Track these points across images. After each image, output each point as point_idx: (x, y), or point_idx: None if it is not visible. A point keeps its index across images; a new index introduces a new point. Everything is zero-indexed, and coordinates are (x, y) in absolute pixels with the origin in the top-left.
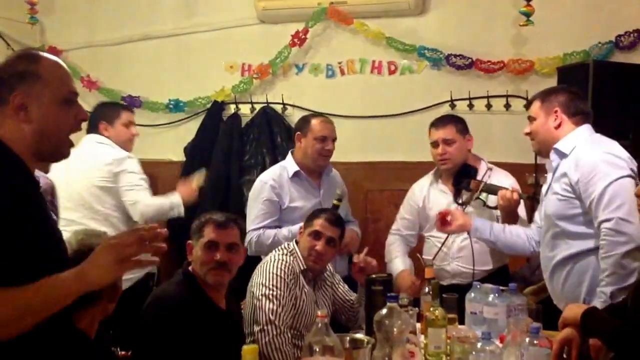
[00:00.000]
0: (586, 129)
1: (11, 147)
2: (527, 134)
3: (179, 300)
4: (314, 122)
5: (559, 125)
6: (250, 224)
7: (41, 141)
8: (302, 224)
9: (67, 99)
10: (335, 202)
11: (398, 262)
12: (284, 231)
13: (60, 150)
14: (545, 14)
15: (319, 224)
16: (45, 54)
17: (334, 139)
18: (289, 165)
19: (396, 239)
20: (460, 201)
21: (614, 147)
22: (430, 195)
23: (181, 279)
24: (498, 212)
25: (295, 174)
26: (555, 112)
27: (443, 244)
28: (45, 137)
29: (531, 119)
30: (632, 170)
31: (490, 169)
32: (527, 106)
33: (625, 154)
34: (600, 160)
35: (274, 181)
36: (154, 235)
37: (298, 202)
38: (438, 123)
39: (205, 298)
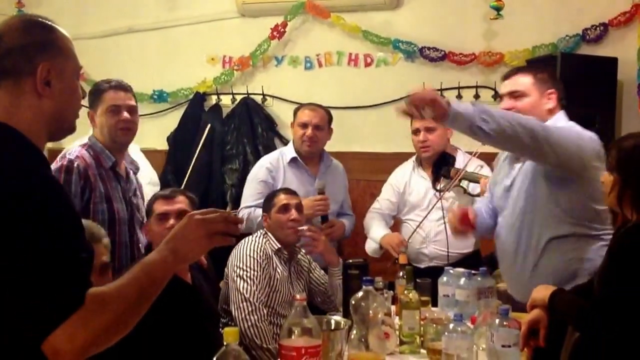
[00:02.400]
0: (564, 114)
1: (26, 133)
2: (509, 110)
3: None
4: (299, 109)
5: (551, 111)
6: (243, 202)
7: (60, 120)
8: None
9: (79, 73)
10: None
11: (380, 228)
12: None
13: (71, 129)
14: (514, 8)
15: (283, 198)
16: (54, 23)
17: (318, 126)
18: (287, 151)
19: (375, 215)
20: (438, 187)
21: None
22: (411, 180)
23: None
24: (478, 200)
25: (292, 160)
26: (551, 94)
27: (418, 226)
28: (64, 115)
29: (517, 94)
30: None
31: (468, 157)
32: (507, 77)
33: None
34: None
35: (270, 164)
36: (234, 220)
37: (295, 188)
38: None
39: None
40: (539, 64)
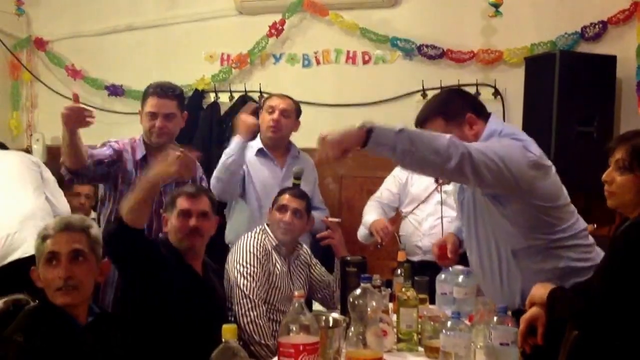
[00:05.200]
0: (494, 121)
1: None
2: None
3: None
4: (268, 98)
5: (477, 133)
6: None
7: None
8: (237, 137)
9: None
10: (294, 180)
11: (373, 215)
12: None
13: None
14: (513, 6)
15: (285, 198)
16: None
17: (284, 111)
18: (254, 143)
19: (374, 203)
20: (440, 181)
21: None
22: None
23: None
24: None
25: (259, 151)
26: (469, 118)
27: (413, 209)
28: None
29: None
30: None
31: None
32: (421, 124)
33: None
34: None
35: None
36: None
37: (261, 177)
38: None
39: (181, 259)
40: (538, 62)
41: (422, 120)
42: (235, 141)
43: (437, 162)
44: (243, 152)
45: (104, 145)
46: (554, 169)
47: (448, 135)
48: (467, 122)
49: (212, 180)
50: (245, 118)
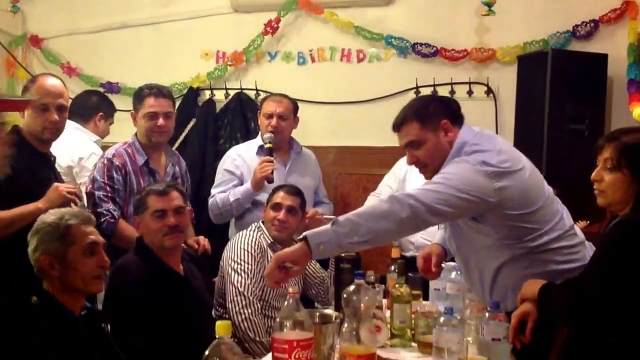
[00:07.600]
0: (466, 127)
1: None
2: (415, 163)
3: (137, 268)
4: (265, 100)
5: (451, 140)
6: (212, 192)
7: None
8: (249, 183)
9: None
10: (267, 146)
11: None
12: (231, 192)
13: None
14: (506, 4)
15: (279, 196)
16: None
17: (282, 116)
18: (255, 141)
19: (373, 198)
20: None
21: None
22: (412, 169)
23: (135, 251)
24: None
25: (261, 148)
26: (444, 124)
27: None
28: None
29: (414, 144)
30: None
31: None
32: (397, 128)
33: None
34: None
35: (237, 154)
36: None
37: None
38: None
39: (161, 264)
40: (530, 60)
41: (399, 124)
42: (247, 188)
43: (390, 224)
44: (250, 199)
45: (109, 169)
46: (527, 172)
47: (384, 198)
48: (442, 129)
49: (211, 207)
50: (259, 173)
